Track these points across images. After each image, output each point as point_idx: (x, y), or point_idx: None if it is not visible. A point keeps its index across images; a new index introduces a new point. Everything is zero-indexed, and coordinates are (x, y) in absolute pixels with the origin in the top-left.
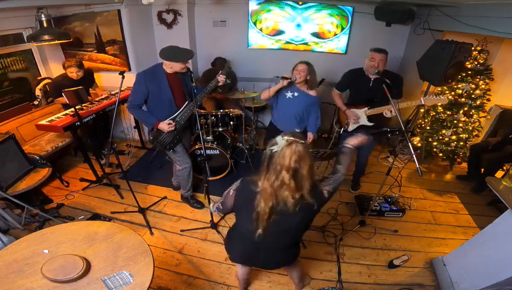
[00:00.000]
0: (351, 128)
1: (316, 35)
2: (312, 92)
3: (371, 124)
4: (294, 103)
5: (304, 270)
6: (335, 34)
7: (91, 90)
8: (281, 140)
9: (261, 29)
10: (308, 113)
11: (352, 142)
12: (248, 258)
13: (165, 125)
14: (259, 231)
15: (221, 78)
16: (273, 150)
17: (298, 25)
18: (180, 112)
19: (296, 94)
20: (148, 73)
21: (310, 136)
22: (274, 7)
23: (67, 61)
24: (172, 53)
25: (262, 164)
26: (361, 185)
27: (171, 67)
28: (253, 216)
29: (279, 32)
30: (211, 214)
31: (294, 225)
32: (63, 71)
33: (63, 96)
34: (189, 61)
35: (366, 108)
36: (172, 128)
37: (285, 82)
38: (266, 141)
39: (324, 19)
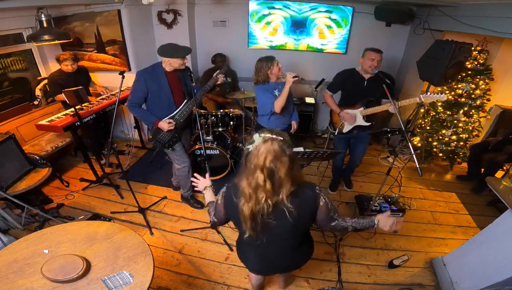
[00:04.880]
0: (346, 129)
1: (316, 35)
2: (284, 78)
3: (368, 123)
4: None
5: (292, 275)
6: (335, 34)
7: (91, 90)
8: (257, 137)
9: (261, 29)
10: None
11: (385, 227)
12: (264, 267)
13: (165, 124)
14: (248, 233)
15: (220, 78)
16: (249, 149)
17: (298, 25)
18: (178, 111)
19: (280, 87)
20: (147, 72)
21: (295, 124)
22: (274, 7)
23: (62, 55)
24: (170, 49)
25: (241, 163)
26: (361, 185)
27: (170, 64)
28: (240, 219)
29: (280, 32)
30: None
31: (282, 229)
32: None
33: (62, 94)
34: (188, 58)
35: (362, 108)
36: (172, 127)
37: (297, 79)
38: None
39: (324, 19)
